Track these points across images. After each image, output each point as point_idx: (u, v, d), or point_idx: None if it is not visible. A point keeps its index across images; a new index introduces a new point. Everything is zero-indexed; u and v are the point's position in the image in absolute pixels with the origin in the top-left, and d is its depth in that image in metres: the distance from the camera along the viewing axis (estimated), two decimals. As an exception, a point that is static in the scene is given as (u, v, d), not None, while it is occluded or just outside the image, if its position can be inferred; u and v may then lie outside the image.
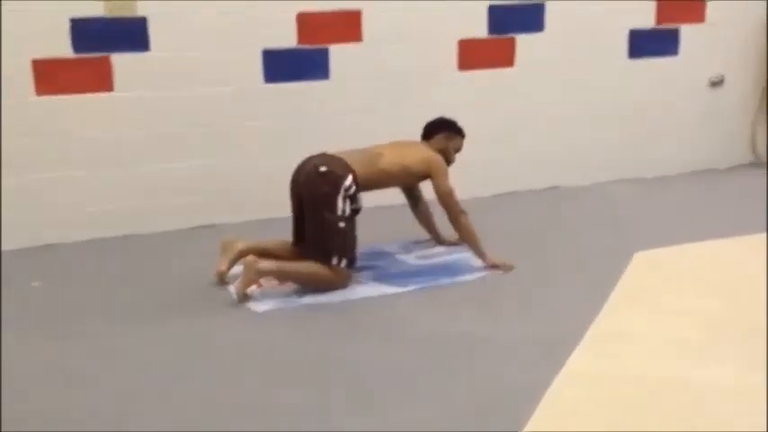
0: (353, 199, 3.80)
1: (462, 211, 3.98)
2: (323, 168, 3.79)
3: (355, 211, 3.84)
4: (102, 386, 2.95)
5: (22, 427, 2.65)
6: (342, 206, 3.75)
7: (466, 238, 4.01)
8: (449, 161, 4.16)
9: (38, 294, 3.82)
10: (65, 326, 3.48)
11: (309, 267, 3.76)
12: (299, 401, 2.81)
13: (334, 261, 3.74)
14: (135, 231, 4.60)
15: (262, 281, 3.82)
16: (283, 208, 4.77)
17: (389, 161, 3.98)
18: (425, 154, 4.06)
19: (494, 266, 3.96)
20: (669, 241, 4.28)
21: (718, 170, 5.79)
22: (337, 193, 3.75)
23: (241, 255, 3.86)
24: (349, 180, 3.78)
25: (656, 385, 2.83)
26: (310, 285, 3.76)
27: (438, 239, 4.34)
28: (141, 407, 2.80)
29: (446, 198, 3.97)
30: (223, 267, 3.84)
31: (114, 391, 2.92)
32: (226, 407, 2.78)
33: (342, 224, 3.75)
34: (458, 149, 4.24)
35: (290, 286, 3.80)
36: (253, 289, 3.72)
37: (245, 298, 3.66)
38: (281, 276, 3.79)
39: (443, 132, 4.20)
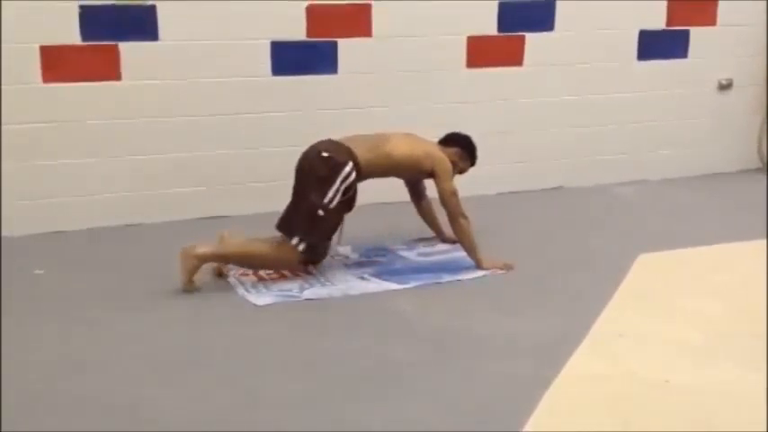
0: (348, 189, 3.77)
1: (463, 215, 3.94)
2: (325, 154, 3.79)
3: (345, 205, 3.81)
4: (103, 373, 2.96)
5: (23, 412, 2.66)
6: (332, 196, 3.74)
7: (463, 241, 3.97)
8: None
9: (41, 282, 3.82)
10: (68, 313, 3.48)
11: (250, 246, 3.79)
12: (299, 394, 2.81)
13: (294, 241, 3.73)
14: (140, 221, 4.60)
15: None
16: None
17: (395, 147, 3.94)
18: (433, 151, 4.03)
19: (493, 268, 3.95)
20: (673, 244, 4.27)
21: (724, 174, 5.77)
22: (333, 180, 3.74)
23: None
24: (348, 167, 3.77)
25: (658, 387, 2.83)
26: (255, 266, 3.84)
27: (441, 236, 4.34)
28: (142, 394, 2.81)
29: (448, 198, 3.94)
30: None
31: (116, 378, 2.92)
32: (224, 397, 2.79)
33: (321, 212, 3.73)
34: (461, 172, 4.20)
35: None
36: (198, 278, 3.69)
37: (191, 288, 3.66)
38: (223, 259, 3.79)
39: (459, 149, 4.17)
